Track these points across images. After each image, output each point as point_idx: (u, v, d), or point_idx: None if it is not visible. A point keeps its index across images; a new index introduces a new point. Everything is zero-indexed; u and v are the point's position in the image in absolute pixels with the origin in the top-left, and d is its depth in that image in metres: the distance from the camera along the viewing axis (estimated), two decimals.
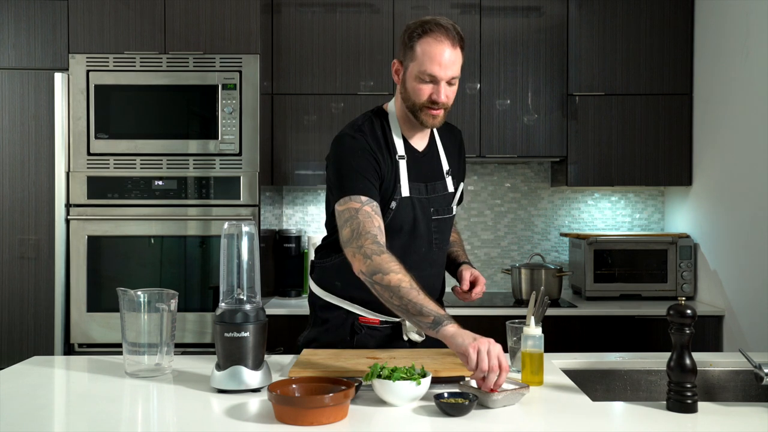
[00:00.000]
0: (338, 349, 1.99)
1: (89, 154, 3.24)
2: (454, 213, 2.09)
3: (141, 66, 3.26)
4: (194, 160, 3.24)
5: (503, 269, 3.68)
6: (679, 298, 1.57)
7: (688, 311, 1.54)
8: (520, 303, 3.41)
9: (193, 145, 3.24)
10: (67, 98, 3.25)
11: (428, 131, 2.06)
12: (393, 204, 1.93)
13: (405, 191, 1.95)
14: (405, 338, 2.04)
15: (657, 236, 3.57)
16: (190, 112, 3.28)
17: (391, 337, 2.05)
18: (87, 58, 3.25)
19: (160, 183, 3.24)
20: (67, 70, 3.26)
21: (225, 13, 3.27)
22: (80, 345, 3.23)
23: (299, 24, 3.54)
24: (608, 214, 3.93)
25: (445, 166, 2.08)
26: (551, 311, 3.20)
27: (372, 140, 1.96)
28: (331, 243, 2.04)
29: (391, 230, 1.91)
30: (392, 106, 2.05)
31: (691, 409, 1.52)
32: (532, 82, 3.55)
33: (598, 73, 3.55)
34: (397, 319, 2.02)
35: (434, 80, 1.89)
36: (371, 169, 1.91)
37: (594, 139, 3.55)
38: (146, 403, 1.65)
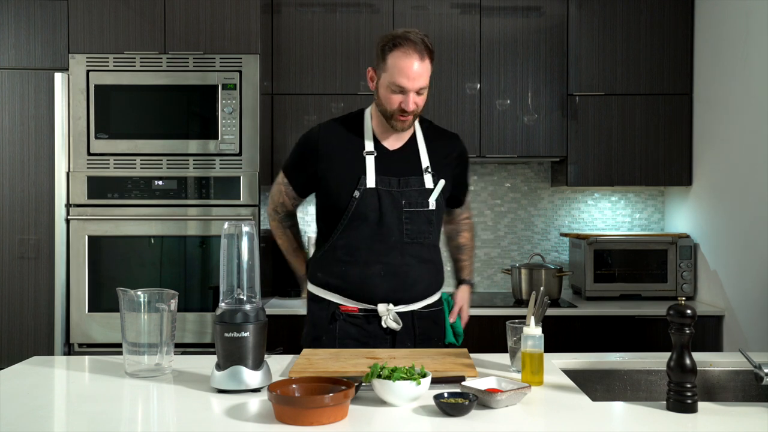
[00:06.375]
0: (322, 338, 2.14)
1: (89, 154, 3.24)
2: (431, 207, 2.15)
3: (141, 66, 3.26)
4: (194, 160, 3.24)
5: (503, 269, 3.69)
6: (679, 298, 1.56)
7: (688, 311, 1.54)
8: (520, 303, 3.41)
9: (193, 145, 3.24)
10: (67, 98, 3.25)
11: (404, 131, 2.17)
12: (356, 193, 2.09)
13: (371, 183, 2.10)
14: (384, 325, 2.11)
15: (657, 236, 3.57)
16: (190, 112, 3.28)
17: (370, 325, 2.14)
18: (87, 58, 3.25)
19: (160, 183, 3.24)
20: (67, 70, 3.26)
21: (225, 13, 3.27)
22: (80, 345, 3.23)
23: (299, 24, 3.54)
24: (608, 214, 3.93)
25: (424, 163, 2.16)
26: (551, 311, 3.20)
27: (333, 134, 2.17)
28: (317, 240, 2.27)
29: (356, 218, 2.10)
30: (369, 110, 2.22)
31: (691, 409, 1.52)
32: (532, 82, 3.55)
33: (598, 73, 3.55)
34: (374, 307, 2.11)
35: (403, 91, 2.05)
36: (299, 163, 2.21)
37: (594, 139, 3.55)
38: (146, 403, 1.65)
